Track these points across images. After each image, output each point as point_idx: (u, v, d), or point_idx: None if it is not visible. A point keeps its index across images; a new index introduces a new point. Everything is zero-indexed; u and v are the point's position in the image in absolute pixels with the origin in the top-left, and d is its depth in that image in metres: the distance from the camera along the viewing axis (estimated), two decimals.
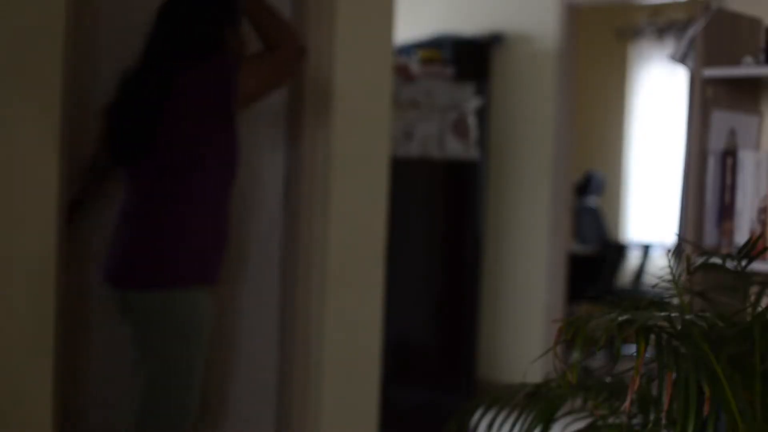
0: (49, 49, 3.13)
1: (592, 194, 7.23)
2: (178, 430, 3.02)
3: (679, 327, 1.84)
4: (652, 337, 1.81)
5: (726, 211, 2.80)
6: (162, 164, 2.81)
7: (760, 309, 2.01)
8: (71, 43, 3.21)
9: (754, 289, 2.15)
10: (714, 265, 2.17)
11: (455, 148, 5.12)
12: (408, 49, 5.36)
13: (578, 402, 2.21)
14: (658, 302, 1.99)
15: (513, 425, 2.18)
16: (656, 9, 7.22)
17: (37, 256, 3.15)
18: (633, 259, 7.25)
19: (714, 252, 2.34)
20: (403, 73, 4.91)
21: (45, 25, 3.11)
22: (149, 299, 2.89)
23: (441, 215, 5.37)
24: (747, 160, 2.78)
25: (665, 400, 1.75)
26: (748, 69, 2.79)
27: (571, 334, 1.82)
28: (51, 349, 3.18)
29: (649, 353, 1.78)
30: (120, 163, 2.93)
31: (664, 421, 1.87)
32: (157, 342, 2.99)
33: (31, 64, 3.11)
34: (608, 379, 2.22)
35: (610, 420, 2.10)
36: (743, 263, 2.13)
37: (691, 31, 2.90)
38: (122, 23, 3.51)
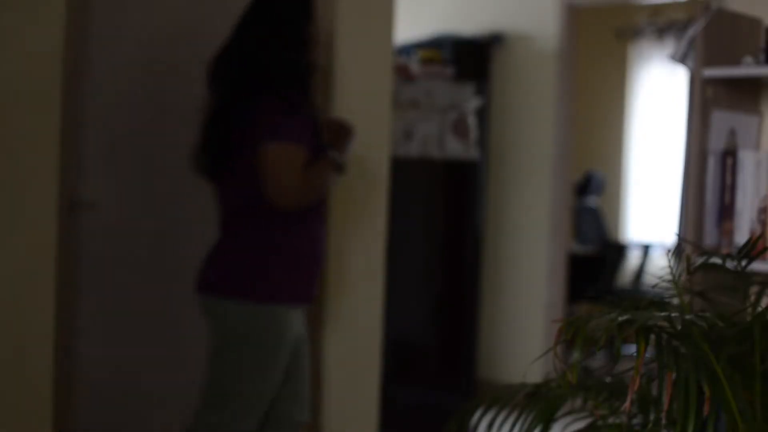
0: (50, 49, 3.13)
1: (592, 194, 7.23)
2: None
3: (679, 327, 1.84)
4: (652, 337, 1.81)
5: (726, 211, 2.80)
6: (246, 182, 2.81)
7: (760, 309, 2.01)
8: (71, 43, 3.22)
9: (754, 289, 2.15)
10: (714, 265, 2.17)
11: (455, 148, 5.12)
12: (408, 49, 5.36)
13: (578, 402, 2.21)
14: (658, 302, 1.99)
15: (513, 425, 2.18)
16: (656, 9, 7.22)
17: (37, 256, 3.15)
18: (633, 259, 7.25)
19: (714, 252, 2.34)
20: (403, 73, 4.91)
21: (45, 24, 3.12)
22: (222, 307, 2.87)
23: (441, 215, 5.37)
24: (747, 160, 2.78)
25: (665, 400, 1.75)
26: (748, 69, 2.79)
27: (571, 334, 1.82)
28: (51, 349, 3.18)
29: (649, 353, 1.78)
30: (208, 175, 2.95)
31: (664, 421, 1.87)
32: (222, 352, 2.94)
33: (32, 62, 3.11)
34: (608, 379, 2.22)
35: (610, 420, 2.10)
36: (743, 263, 2.13)
37: (691, 31, 2.90)
38: (118, 21, 3.52)
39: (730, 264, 2.13)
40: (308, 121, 2.82)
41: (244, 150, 2.78)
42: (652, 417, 2.05)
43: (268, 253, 2.85)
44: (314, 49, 2.89)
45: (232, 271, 2.86)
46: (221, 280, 2.86)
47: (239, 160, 2.80)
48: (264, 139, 2.72)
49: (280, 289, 2.88)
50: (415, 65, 5.03)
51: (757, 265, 2.40)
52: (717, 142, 2.83)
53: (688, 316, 1.85)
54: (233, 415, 2.91)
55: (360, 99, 3.87)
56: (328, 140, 2.95)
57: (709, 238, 2.81)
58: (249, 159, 2.77)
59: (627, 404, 1.78)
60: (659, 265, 7.06)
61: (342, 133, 3.02)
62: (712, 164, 2.81)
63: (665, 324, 1.84)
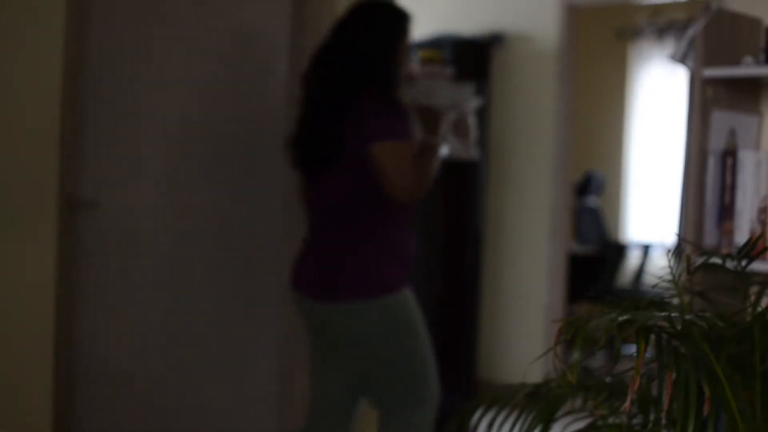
0: (50, 49, 3.13)
1: (592, 194, 7.23)
2: (427, 407, 3.06)
3: (679, 327, 1.84)
4: (652, 337, 1.81)
5: (726, 211, 2.79)
6: (346, 177, 2.93)
7: (760, 309, 2.01)
8: (71, 43, 3.22)
9: (754, 289, 2.15)
10: (714, 265, 2.17)
11: (455, 148, 5.11)
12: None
13: (578, 402, 2.20)
14: (658, 302, 1.99)
15: (513, 425, 2.17)
16: (656, 9, 7.21)
17: (37, 256, 3.15)
18: (633, 259, 7.24)
19: (714, 252, 2.34)
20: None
21: (45, 24, 3.12)
22: (357, 310, 2.94)
23: (441, 215, 5.36)
24: (747, 160, 2.78)
25: (665, 400, 1.75)
26: (748, 69, 2.79)
27: (571, 334, 1.82)
28: (51, 349, 3.18)
29: (649, 353, 1.78)
30: (311, 170, 3.01)
31: (664, 421, 1.87)
32: (385, 352, 3.00)
33: (32, 62, 3.12)
34: (608, 379, 2.22)
35: (610, 420, 2.10)
36: (743, 263, 2.13)
37: (691, 31, 2.90)
38: (118, 21, 3.52)
39: (730, 264, 2.13)
40: (408, 117, 2.99)
41: (353, 148, 2.88)
42: (652, 417, 2.05)
43: (383, 247, 2.97)
44: (405, 58, 3.09)
45: (363, 273, 2.93)
46: (356, 285, 2.92)
47: (348, 158, 2.90)
48: (380, 139, 2.86)
49: (400, 276, 3.01)
50: (415, 65, 5.02)
51: (757, 265, 2.40)
52: (717, 142, 2.83)
53: (688, 316, 1.85)
54: (432, 397, 3.05)
55: None
56: (423, 128, 3.12)
57: (709, 238, 2.81)
58: (358, 157, 2.88)
59: (627, 404, 1.78)
60: (659, 265, 7.05)
61: (432, 118, 3.20)
62: (712, 164, 2.81)
63: (665, 324, 1.84)
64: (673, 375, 1.74)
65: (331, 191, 2.96)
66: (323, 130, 2.92)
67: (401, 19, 3.04)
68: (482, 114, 5.36)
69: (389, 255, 2.98)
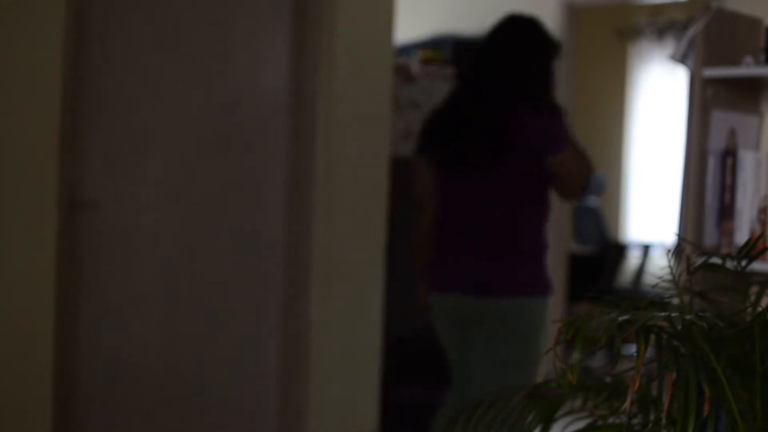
0: (50, 49, 3.13)
1: (592, 194, 7.22)
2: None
3: (679, 327, 1.84)
4: (652, 337, 1.81)
5: (726, 211, 2.79)
6: (511, 180, 3.05)
7: (760, 309, 2.00)
8: (71, 43, 3.22)
9: (754, 289, 2.15)
10: (714, 265, 2.16)
11: None
12: (408, 49, 5.36)
13: (578, 402, 2.20)
14: (658, 302, 1.99)
15: (513, 425, 2.17)
16: (656, 9, 7.21)
17: (37, 256, 3.15)
18: (633, 259, 7.24)
19: (714, 252, 2.33)
20: (403, 73, 4.91)
21: (45, 24, 3.12)
22: (518, 306, 3.07)
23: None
24: (747, 160, 2.77)
25: (665, 400, 1.75)
26: (748, 69, 2.79)
27: (571, 334, 1.81)
28: (51, 349, 3.18)
29: (649, 353, 1.78)
30: (475, 178, 3.07)
31: (664, 421, 1.87)
32: (509, 343, 3.07)
33: (32, 62, 3.12)
34: (608, 379, 2.21)
35: (610, 420, 2.10)
36: (743, 263, 2.13)
37: (691, 31, 2.90)
38: (118, 20, 3.52)
39: (730, 264, 2.13)
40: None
41: (523, 155, 3.01)
42: (652, 417, 2.05)
43: (542, 249, 3.13)
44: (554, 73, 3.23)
45: (533, 273, 3.09)
46: (528, 283, 3.08)
47: (515, 163, 3.02)
48: (559, 149, 3.04)
49: (549, 282, 3.17)
50: (415, 65, 5.02)
51: (757, 265, 2.40)
52: (717, 142, 2.83)
53: (688, 316, 1.84)
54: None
55: (360, 99, 3.87)
56: None
57: (709, 238, 2.81)
58: (527, 163, 3.02)
59: (627, 404, 1.78)
60: (659, 265, 7.05)
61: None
62: (712, 164, 2.81)
63: (665, 324, 1.84)
64: (673, 375, 1.74)
65: (498, 194, 3.05)
66: (493, 136, 3.00)
67: (551, 38, 3.22)
68: None
69: (546, 257, 3.16)
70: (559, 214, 5.48)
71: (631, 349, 1.81)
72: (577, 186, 3.12)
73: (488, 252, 3.07)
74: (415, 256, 3.28)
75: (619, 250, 7.12)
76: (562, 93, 5.46)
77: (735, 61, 2.85)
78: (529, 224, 3.09)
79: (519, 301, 3.05)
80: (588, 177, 3.12)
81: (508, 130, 2.99)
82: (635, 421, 2.09)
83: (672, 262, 2.09)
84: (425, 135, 3.18)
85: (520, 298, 3.05)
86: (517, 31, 3.14)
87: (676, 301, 2.05)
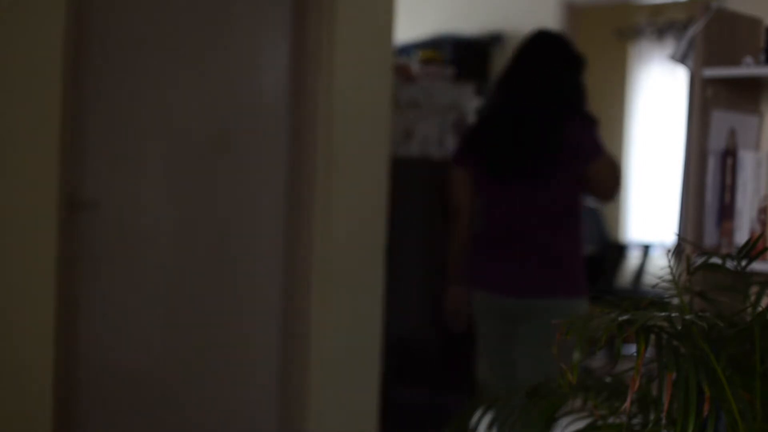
0: (50, 49, 3.13)
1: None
2: None
3: (679, 327, 1.84)
4: (652, 337, 1.81)
5: (726, 211, 2.79)
6: (553, 186, 3.25)
7: (760, 309, 2.00)
8: (71, 43, 3.22)
9: (754, 289, 2.15)
10: (714, 265, 2.16)
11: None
12: (408, 49, 5.36)
13: (578, 402, 2.20)
14: (658, 302, 1.99)
15: (513, 425, 2.17)
16: (656, 9, 7.21)
17: (37, 256, 3.15)
18: (633, 259, 7.23)
19: (714, 252, 2.33)
20: (403, 73, 4.91)
21: (45, 24, 3.12)
22: (553, 305, 3.23)
23: (441, 215, 5.36)
24: (747, 160, 2.78)
25: (665, 400, 1.75)
26: (748, 69, 2.79)
27: (571, 334, 1.82)
28: (51, 349, 3.18)
29: (649, 353, 1.78)
30: (523, 185, 3.25)
31: (664, 421, 1.87)
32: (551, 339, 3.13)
33: (32, 62, 3.12)
34: (608, 379, 2.22)
35: (610, 420, 2.10)
36: (743, 263, 2.13)
37: (691, 31, 2.90)
38: (118, 20, 3.52)
39: (730, 264, 2.13)
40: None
41: (568, 164, 3.23)
42: (652, 417, 2.05)
43: (581, 252, 3.32)
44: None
45: (576, 275, 3.27)
46: (573, 284, 3.26)
47: (561, 172, 3.24)
48: (597, 157, 3.27)
49: (585, 284, 3.31)
50: (415, 65, 5.03)
51: (757, 265, 2.40)
52: (717, 142, 2.83)
53: (688, 316, 1.84)
54: None
55: (360, 99, 3.88)
56: None
57: (709, 238, 2.81)
58: (571, 172, 3.24)
59: (627, 404, 1.78)
60: (659, 265, 7.04)
61: None
62: (712, 164, 2.81)
63: (665, 324, 1.84)
64: (673, 375, 1.74)
65: (547, 199, 3.25)
66: (543, 147, 3.21)
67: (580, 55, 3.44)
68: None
69: (583, 259, 3.34)
70: None
71: (631, 349, 1.81)
72: (614, 188, 3.35)
73: (534, 254, 3.24)
74: (451, 259, 3.44)
75: (619, 250, 7.11)
76: None
77: (735, 61, 2.85)
78: (571, 228, 3.29)
79: (562, 301, 3.22)
80: (620, 180, 3.36)
81: (556, 141, 3.19)
82: (635, 421, 2.09)
83: (672, 262, 2.09)
84: (467, 145, 3.36)
85: (563, 298, 3.23)
86: (554, 47, 3.32)
87: (676, 301, 2.05)
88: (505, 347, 3.31)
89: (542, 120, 3.22)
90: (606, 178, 3.32)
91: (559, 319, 2.97)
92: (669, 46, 7.12)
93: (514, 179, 3.24)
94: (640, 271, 7.03)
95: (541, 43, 3.33)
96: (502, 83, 3.33)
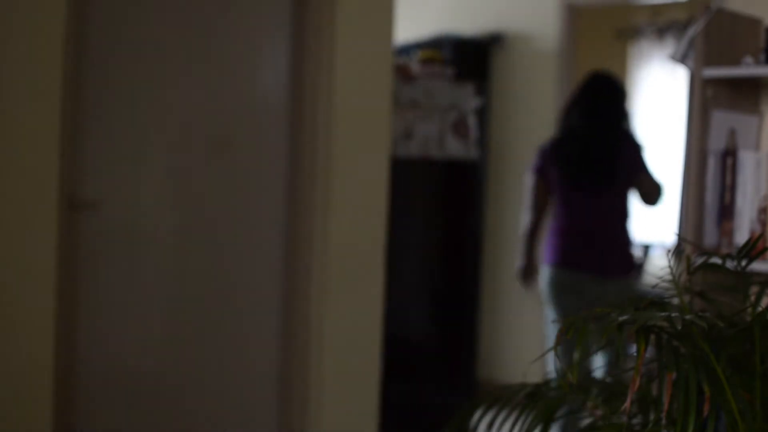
0: (50, 49, 3.13)
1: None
2: None
3: (679, 327, 1.84)
4: (652, 337, 1.81)
5: (726, 211, 2.79)
6: (617, 193, 4.21)
7: (760, 309, 2.01)
8: (71, 43, 3.22)
9: (754, 289, 2.15)
10: (714, 265, 2.16)
11: (455, 148, 5.12)
12: (408, 49, 5.36)
13: (578, 402, 2.21)
14: (658, 302, 1.99)
15: (513, 425, 2.18)
16: (656, 9, 7.22)
17: (37, 256, 3.15)
18: None
19: (714, 252, 2.33)
20: (403, 73, 4.91)
21: (45, 24, 3.12)
22: (623, 283, 4.15)
23: (441, 215, 5.36)
24: (747, 160, 2.78)
25: (665, 400, 1.75)
26: (748, 69, 2.79)
27: (571, 334, 1.82)
28: (51, 348, 3.18)
29: (649, 353, 1.78)
30: (592, 192, 4.20)
31: (664, 421, 1.87)
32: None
33: (32, 62, 3.12)
34: (608, 379, 2.22)
35: (611, 420, 2.10)
36: (743, 263, 2.13)
37: (691, 31, 2.90)
38: (117, 20, 3.52)
39: (730, 264, 2.13)
40: None
41: (626, 174, 4.18)
42: (652, 417, 2.05)
43: (631, 242, 4.30)
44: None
45: (631, 260, 4.26)
46: (629, 266, 4.23)
47: (622, 180, 4.18)
48: (643, 170, 4.19)
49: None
50: (415, 65, 5.03)
51: (757, 265, 2.40)
52: (717, 142, 2.83)
53: (688, 316, 1.84)
54: None
55: (360, 99, 3.88)
56: None
57: (709, 238, 2.81)
58: (628, 180, 4.18)
59: (627, 404, 1.78)
60: (659, 265, 7.05)
61: None
62: (712, 164, 2.81)
63: (665, 324, 1.84)
64: (673, 375, 1.74)
65: (613, 203, 4.21)
66: (609, 162, 4.17)
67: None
68: (482, 114, 5.37)
69: (631, 248, 4.29)
70: None
71: (631, 349, 1.81)
72: (656, 196, 4.22)
73: (603, 243, 4.18)
74: (526, 243, 4.36)
75: None
76: (562, 93, 5.46)
77: (735, 61, 2.85)
78: (626, 224, 4.23)
79: (624, 281, 4.16)
80: (661, 190, 4.21)
81: (616, 159, 4.15)
82: (635, 421, 2.09)
83: (672, 262, 2.09)
84: (545, 160, 4.25)
85: (625, 278, 4.17)
86: (611, 85, 4.26)
87: (676, 301, 2.05)
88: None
89: (606, 142, 4.17)
90: (650, 189, 4.20)
91: (622, 293, 3.98)
92: (669, 46, 7.12)
93: (586, 187, 4.18)
94: (640, 271, 7.03)
95: (601, 81, 4.27)
96: (571, 111, 4.24)
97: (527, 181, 4.36)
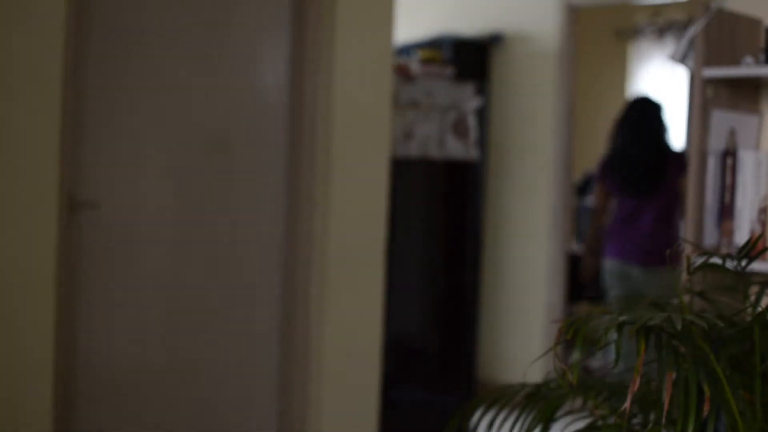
0: (50, 49, 3.13)
1: (592, 194, 7.22)
2: None
3: (679, 327, 1.84)
4: (652, 337, 1.81)
5: (726, 211, 2.79)
6: (661, 198, 4.85)
7: (760, 309, 2.01)
8: (71, 43, 3.22)
9: (754, 289, 2.15)
10: (714, 265, 2.16)
11: (455, 148, 5.12)
12: (408, 49, 5.36)
13: (578, 402, 2.21)
14: (658, 302, 1.99)
15: (513, 425, 2.18)
16: (656, 9, 7.22)
17: (37, 255, 3.15)
18: None
19: (714, 252, 2.33)
20: (403, 73, 4.91)
21: (45, 23, 3.12)
22: (662, 271, 4.74)
23: (441, 215, 5.37)
24: (747, 160, 2.78)
25: (665, 400, 1.75)
26: (748, 69, 2.79)
27: (571, 334, 1.82)
28: (51, 348, 3.19)
29: (649, 353, 1.78)
30: (641, 197, 4.88)
31: (664, 421, 1.87)
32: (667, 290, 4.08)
33: (32, 62, 3.12)
34: (608, 379, 2.22)
35: (610, 420, 2.10)
36: (743, 263, 2.13)
37: (691, 31, 2.90)
38: (117, 20, 3.52)
39: (730, 264, 2.13)
40: None
41: (671, 180, 4.81)
42: (652, 417, 2.05)
43: (678, 234, 4.88)
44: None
45: (664, 251, 4.65)
46: (663, 256, 4.64)
47: (668, 185, 4.81)
48: (683, 175, 4.70)
49: None
50: (415, 65, 5.03)
51: (757, 265, 2.40)
52: (717, 142, 2.83)
53: (688, 316, 1.84)
54: None
55: (360, 99, 3.88)
56: None
57: (709, 238, 2.81)
58: (673, 184, 4.79)
59: (627, 404, 1.78)
60: None
61: None
62: (712, 164, 2.81)
63: (665, 324, 1.84)
64: (673, 375, 1.74)
65: (661, 204, 4.83)
66: (656, 171, 4.84)
67: None
68: (482, 114, 5.37)
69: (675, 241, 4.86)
70: (559, 214, 5.48)
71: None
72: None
73: (647, 239, 4.81)
74: (590, 240, 5.12)
75: None
76: (562, 93, 5.46)
77: (735, 61, 2.85)
78: (670, 222, 4.84)
79: (663, 270, 4.71)
80: None
81: (661, 168, 4.82)
82: (635, 421, 2.09)
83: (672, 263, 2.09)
84: (604, 171, 4.97)
85: (663, 267, 4.70)
86: (654, 106, 4.96)
87: (676, 301, 2.05)
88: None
89: (650, 155, 4.85)
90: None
91: (665, 279, 4.61)
92: (669, 46, 7.13)
93: (635, 194, 4.85)
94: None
95: (646, 103, 4.99)
96: (622, 129, 4.94)
97: (594, 189, 5.37)
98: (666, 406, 1.76)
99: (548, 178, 5.50)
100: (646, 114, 5.00)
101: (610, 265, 4.96)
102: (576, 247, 6.68)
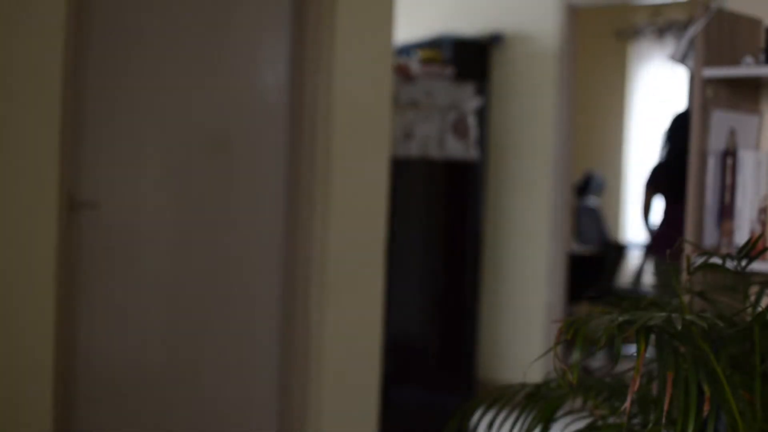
0: (50, 49, 3.13)
1: (592, 194, 7.22)
2: None
3: (679, 327, 1.84)
4: (652, 337, 1.81)
5: (726, 211, 2.79)
6: None
7: (760, 309, 2.01)
8: (71, 43, 3.22)
9: (754, 289, 2.15)
10: (714, 265, 2.16)
11: (455, 148, 5.12)
12: (408, 49, 5.36)
13: (578, 402, 2.21)
14: (658, 302, 1.99)
15: (513, 425, 2.18)
16: (656, 9, 7.22)
17: (37, 255, 3.15)
18: (633, 259, 7.24)
19: (714, 252, 2.33)
20: (403, 73, 4.91)
21: (45, 24, 3.12)
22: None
23: (441, 215, 5.36)
24: (747, 160, 2.78)
25: (665, 400, 1.75)
26: (748, 69, 2.79)
27: (571, 334, 1.82)
28: (51, 348, 3.19)
29: (649, 353, 1.78)
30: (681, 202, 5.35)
31: (664, 421, 1.87)
32: None
33: (32, 62, 3.12)
34: (608, 379, 2.22)
35: (610, 420, 2.10)
36: (743, 263, 2.13)
37: (691, 31, 2.90)
38: (117, 20, 3.52)
39: (730, 264, 2.13)
40: None
41: None
42: (652, 417, 2.05)
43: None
44: None
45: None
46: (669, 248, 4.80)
47: None
48: None
49: None
50: (415, 65, 5.02)
51: (757, 265, 2.40)
52: (717, 142, 2.83)
53: (688, 316, 1.84)
54: None
55: (360, 99, 3.88)
56: None
57: (709, 238, 2.81)
58: None
59: (627, 404, 1.78)
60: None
61: None
62: (712, 164, 2.81)
63: (665, 324, 1.84)
64: (673, 375, 1.74)
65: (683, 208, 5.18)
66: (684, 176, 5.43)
67: None
68: (482, 114, 5.37)
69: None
70: (559, 214, 5.48)
71: (631, 349, 1.81)
72: None
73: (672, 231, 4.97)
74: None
75: (619, 250, 7.12)
76: (562, 93, 5.46)
77: (735, 61, 2.85)
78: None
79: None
80: None
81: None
82: (635, 421, 2.09)
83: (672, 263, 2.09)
84: (653, 179, 5.37)
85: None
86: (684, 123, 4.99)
87: (676, 301, 2.05)
88: None
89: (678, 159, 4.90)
90: None
91: None
92: (669, 46, 7.13)
93: (678, 200, 4.82)
94: (640, 271, 7.04)
95: (687, 116, 4.95)
96: (668, 140, 5.19)
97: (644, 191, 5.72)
98: (666, 406, 1.76)
99: (548, 178, 5.50)
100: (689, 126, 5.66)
101: (655, 261, 5.47)
102: (576, 247, 6.69)
